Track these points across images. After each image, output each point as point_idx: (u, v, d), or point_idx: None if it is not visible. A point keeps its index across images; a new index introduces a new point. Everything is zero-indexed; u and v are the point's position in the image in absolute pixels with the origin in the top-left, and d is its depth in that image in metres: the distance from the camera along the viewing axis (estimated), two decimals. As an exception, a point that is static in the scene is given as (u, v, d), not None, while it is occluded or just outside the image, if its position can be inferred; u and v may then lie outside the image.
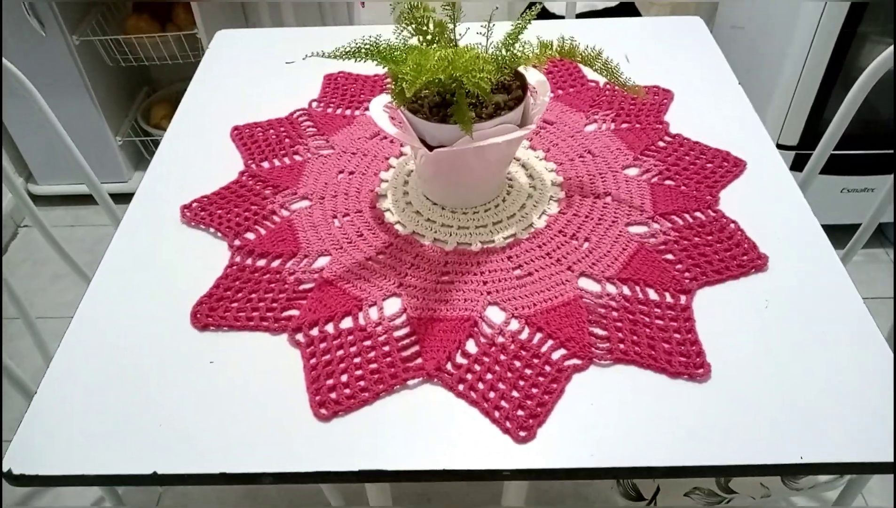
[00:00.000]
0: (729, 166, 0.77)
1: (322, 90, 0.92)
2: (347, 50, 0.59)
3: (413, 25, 0.65)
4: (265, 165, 0.81)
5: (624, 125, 0.84)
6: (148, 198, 0.78)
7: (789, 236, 0.69)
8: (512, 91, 0.69)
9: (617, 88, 0.71)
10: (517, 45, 0.66)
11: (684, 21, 1.03)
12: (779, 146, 1.47)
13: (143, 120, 1.85)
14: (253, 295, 0.66)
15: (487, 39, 0.66)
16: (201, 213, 0.74)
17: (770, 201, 0.73)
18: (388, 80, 0.62)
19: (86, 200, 1.88)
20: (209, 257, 0.70)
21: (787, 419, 0.55)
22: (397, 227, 0.72)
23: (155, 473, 0.53)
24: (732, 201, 0.74)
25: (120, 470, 0.53)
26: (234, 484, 0.56)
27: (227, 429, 0.56)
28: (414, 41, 0.66)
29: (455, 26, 0.66)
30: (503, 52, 0.65)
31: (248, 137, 0.84)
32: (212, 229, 0.73)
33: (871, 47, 1.38)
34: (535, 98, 0.70)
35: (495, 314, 0.63)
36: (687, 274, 0.66)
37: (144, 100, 1.93)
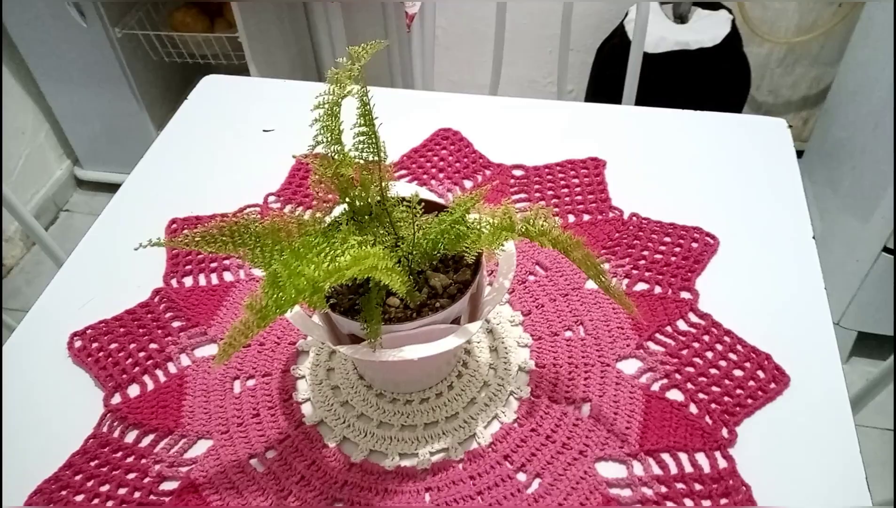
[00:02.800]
0: (764, 381, 0.56)
1: (288, 178, 0.77)
2: (204, 235, 0.43)
3: (332, 180, 0.49)
4: (188, 281, 0.67)
5: (640, 286, 0.64)
6: (49, 310, 0.66)
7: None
8: (460, 269, 0.51)
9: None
10: (459, 224, 0.48)
11: (761, 123, 0.80)
12: (886, 250, 1.19)
13: (188, 115, 1.77)
14: (103, 488, 0.53)
15: (414, 225, 0.49)
16: (92, 345, 0.62)
17: (809, 451, 0.53)
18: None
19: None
20: (83, 411, 0.58)
21: None
22: (305, 408, 0.57)
23: None
24: (758, 438, 0.53)
25: None
26: None
27: None
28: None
29: (382, 182, 0.49)
30: (441, 236, 0.48)
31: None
32: (93, 374, 0.60)
33: None
34: (492, 279, 0.52)
35: (382, 584, 0.47)
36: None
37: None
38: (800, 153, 1.62)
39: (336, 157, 0.48)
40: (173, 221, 0.73)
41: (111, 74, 1.60)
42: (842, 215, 1.36)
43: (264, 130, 0.84)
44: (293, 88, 0.90)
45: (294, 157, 0.47)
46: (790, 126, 0.79)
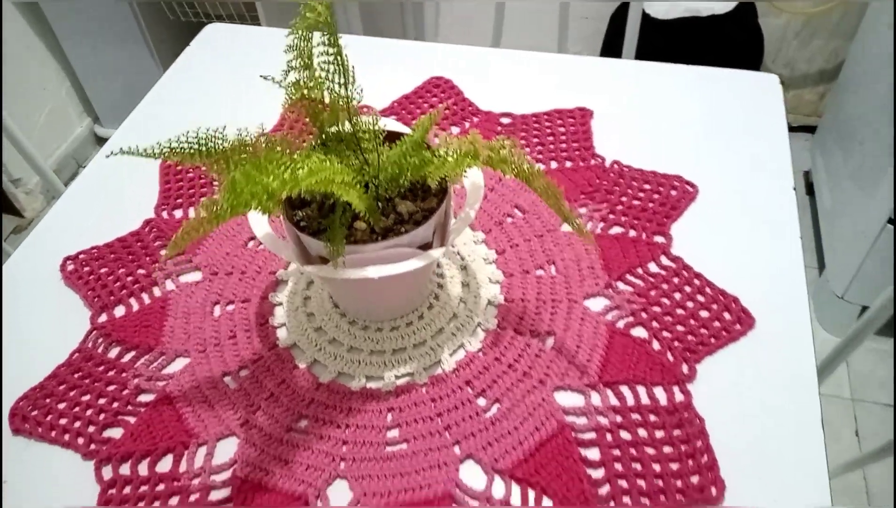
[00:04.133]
0: (730, 322, 0.57)
1: (280, 118, 0.79)
2: (173, 149, 0.45)
3: (304, 105, 0.50)
4: (178, 213, 0.70)
5: (615, 229, 0.65)
6: (46, 235, 0.69)
7: (774, 459, 0.50)
8: (427, 197, 0.53)
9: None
10: (421, 148, 0.49)
11: (755, 79, 0.80)
12: (892, 222, 1.18)
13: (204, 76, 1.79)
14: (84, 397, 0.56)
15: (377, 148, 0.50)
16: (83, 269, 0.65)
17: (768, 392, 0.53)
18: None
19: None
20: (71, 328, 0.61)
21: None
22: (280, 332, 0.59)
23: None
24: (717, 379, 0.54)
25: None
26: None
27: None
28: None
29: (349, 103, 0.50)
30: (403, 160, 0.49)
31: (174, 174, 0.73)
32: (82, 295, 0.63)
33: None
34: (459, 207, 0.53)
35: (340, 494, 0.49)
36: (605, 488, 0.48)
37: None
38: (814, 128, 1.60)
39: (307, 81, 0.49)
40: (167, 158, 0.75)
41: (130, 34, 1.63)
42: (850, 189, 1.34)
43: (262, 77, 0.85)
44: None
45: (271, 79, 0.48)
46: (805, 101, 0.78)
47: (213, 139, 0.46)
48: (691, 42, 1.41)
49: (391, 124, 0.55)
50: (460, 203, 0.62)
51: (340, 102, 0.50)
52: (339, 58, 0.48)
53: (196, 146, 0.45)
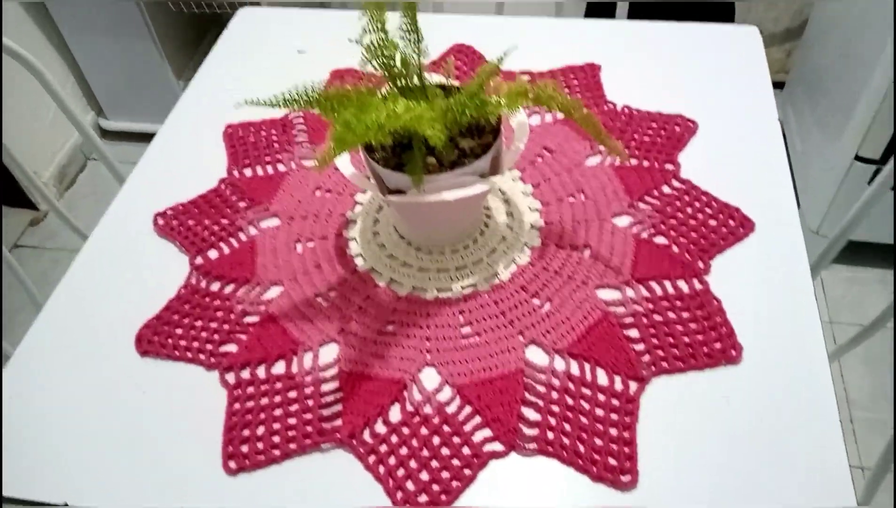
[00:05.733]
0: (734, 226, 0.69)
1: (326, 85, 0.88)
2: (286, 98, 0.55)
3: (380, 61, 0.60)
4: (248, 172, 0.79)
5: (632, 162, 0.76)
6: (132, 197, 0.78)
7: (779, 326, 0.61)
8: (484, 134, 0.63)
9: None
10: (482, 91, 0.60)
11: (737, 32, 0.91)
12: (858, 158, 1.32)
13: (206, 65, 1.86)
14: (198, 322, 0.65)
15: (449, 91, 0.60)
16: (173, 222, 0.74)
17: (771, 278, 0.65)
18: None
19: (151, 138, 1.94)
20: (172, 271, 0.70)
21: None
22: (357, 260, 0.69)
23: (66, 505, 0.55)
24: (727, 271, 0.66)
25: (33, 496, 0.56)
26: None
27: (141, 468, 0.57)
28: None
29: (420, 62, 0.60)
30: (469, 101, 0.59)
31: (237, 139, 0.83)
32: (178, 243, 0.72)
33: None
34: (509, 143, 0.64)
35: (430, 378, 0.60)
36: (646, 357, 0.60)
37: (211, 43, 1.94)
38: (782, 84, 1.73)
39: (383, 42, 0.59)
40: (229, 125, 0.84)
41: (134, 27, 1.69)
42: (819, 134, 1.47)
43: (298, 52, 0.95)
44: (320, 15, 1.01)
45: (351, 39, 0.58)
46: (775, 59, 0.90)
47: (317, 92, 0.55)
48: (668, 7, 1.53)
49: (439, 78, 0.65)
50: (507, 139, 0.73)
51: (412, 60, 0.60)
52: (414, 23, 0.58)
53: (307, 97, 0.55)
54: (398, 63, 0.61)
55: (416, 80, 0.62)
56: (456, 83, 0.63)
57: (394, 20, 0.60)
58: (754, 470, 0.53)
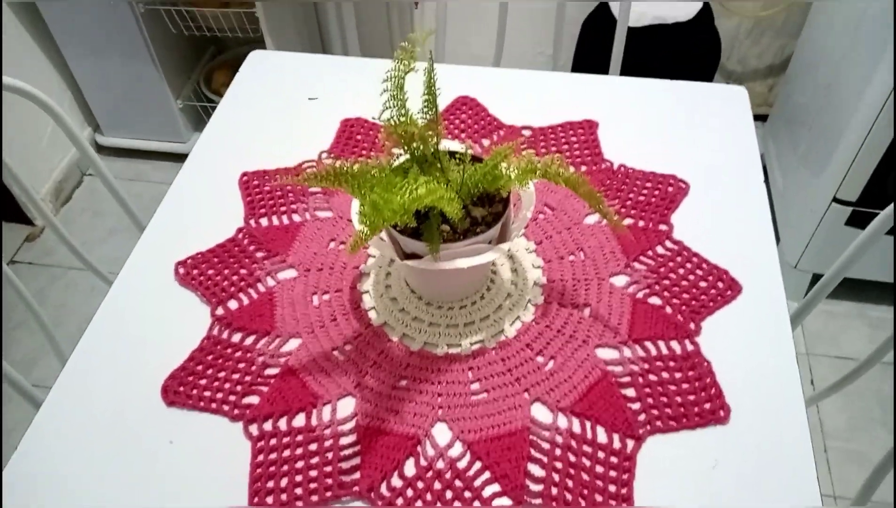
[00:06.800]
0: (723, 289, 0.74)
1: (336, 138, 0.92)
2: (314, 175, 0.59)
3: (398, 135, 0.65)
4: (264, 222, 0.83)
5: (627, 221, 0.81)
6: (152, 244, 0.82)
7: (763, 388, 0.67)
8: (494, 203, 0.68)
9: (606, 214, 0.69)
10: (496, 168, 0.64)
11: (726, 91, 0.97)
12: (836, 200, 1.38)
13: (205, 85, 1.89)
14: (221, 374, 0.69)
15: (464, 168, 0.65)
16: (193, 271, 0.78)
17: (754, 340, 0.70)
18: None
19: (147, 155, 1.97)
20: (194, 321, 0.74)
21: None
22: (371, 314, 0.73)
23: (100, 553, 0.59)
24: (716, 332, 0.71)
25: (70, 546, 0.59)
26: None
27: (169, 519, 0.60)
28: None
29: (437, 145, 0.65)
30: (482, 178, 0.64)
31: (253, 188, 0.86)
32: (199, 293, 0.76)
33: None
34: (517, 211, 0.68)
35: (442, 434, 0.65)
36: (642, 416, 0.65)
37: (209, 62, 1.97)
38: (765, 117, 1.80)
39: (402, 119, 0.63)
40: (244, 173, 0.88)
41: (134, 46, 1.72)
42: (800, 171, 1.54)
43: (309, 99, 0.99)
44: (330, 61, 1.05)
45: (373, 119, 0.62)
46: (757, 92, 0.96)
47: (342, 169, 0.60)
48: (659, 46, 1.59)
49: (450, 145, 0.70)
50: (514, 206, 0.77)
51: (429, 133, 0.64)
52: (433, 99, 0.63)
53: (332, 176, 0.59)
54: (417, 138, 0.65)
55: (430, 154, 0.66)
56: (468, 151, 0.67)
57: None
58: (740, 527, 0.58)
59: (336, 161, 0.64)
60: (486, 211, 0.67)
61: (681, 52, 1.61)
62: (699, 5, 1.58)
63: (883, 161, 1.31)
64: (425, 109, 0.64)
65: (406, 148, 0.66)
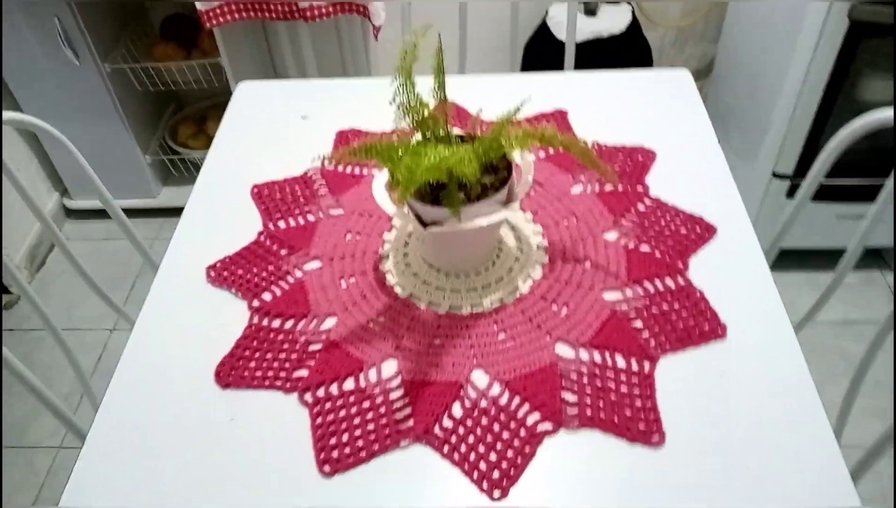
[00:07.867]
0: (700, 232, 0.84)
1: (334, 148, 1.00)
2: (350, 149, 0.67)
3: (411, 117, 0.73)
4: (282, 224, 0.90)
5: (607, 187, 0.91)
6: (178, 258, 0.87)
7: (750, 306, 0.77)
8: (499, 172, 0.76)
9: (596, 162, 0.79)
10: (502, 135, 0.73)
11: (672, 74, 1.09)
12: (775, 175, 1.53)
13: (170, 138, 1.95)
14: (269, 355, 0.75)
15: (475, 135, 0.74)
16: (224, 273, 0.84)
17: (735, 270, 0.81)
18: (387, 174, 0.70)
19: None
20: (231, 316, 0.80)
21: (736, 487, 0.63)
22: (396, 289, 0.81)
23: (185, 520, 0.63)
24: (701, 267, 0.81)
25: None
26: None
27: (242, 485, 0.65)
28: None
29: (447, 121, 0.74)
30: (490, 144, 0.73)
31: (266, 197, 0.93)
32: (233, 290, 0.82)
33: (869, 74, 1.42)
34: (519, 177, 0.77)
35: (480, 378, 0.72)
36: (652, 342, 0.73)
37: (171, 117, 2.03)
38: (699, 115, 1.96)
39: (414, 102, 0.72)
40: (255, 185, 0.95)
41: (101, 107, 1.77)
42: (737, 160, 1.69)
43: (302, 117, 1.07)
44: (315, 85, 1.14)
45: (389, 103, 0.70)
46: (692, 75, 1.09)
47: (372, 144, 0.68)
48: (596, 58, 1.74)
49: (457, 130, 0.79)
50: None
51: (439, 114, 0.73)
52: (441, 82, 0.72)
53: (364, 152, 0.67)
54: (427, 118, 0.74)
55: (440, 131, 0.75)
56: (467, 132, 0.76)
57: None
58: (749, 426, 0.67)
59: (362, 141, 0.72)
60: (494, 178, 0.76)
61: (618, 63, 1.76)
62: (628, 18, 1.74)
63: (810, 135, 1.47)
64: (436, 92, 0.73)
65: (418, 127, 0.74)
